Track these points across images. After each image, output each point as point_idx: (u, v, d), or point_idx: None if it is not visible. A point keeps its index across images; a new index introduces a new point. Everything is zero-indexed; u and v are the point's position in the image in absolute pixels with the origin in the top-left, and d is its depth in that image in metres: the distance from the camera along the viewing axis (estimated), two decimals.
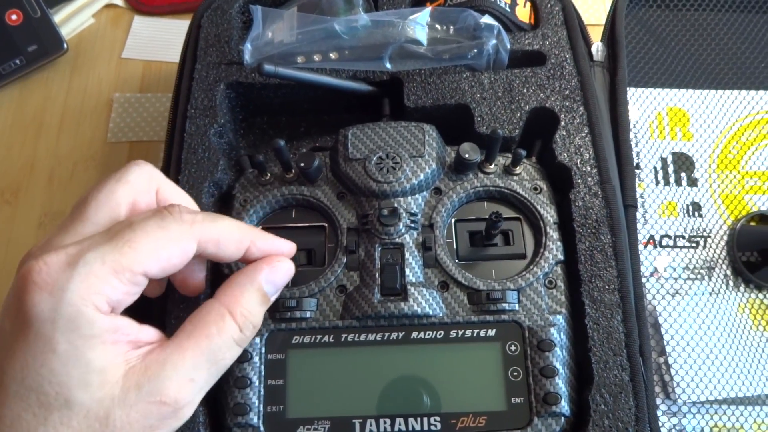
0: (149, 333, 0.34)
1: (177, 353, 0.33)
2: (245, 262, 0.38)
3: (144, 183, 0.37)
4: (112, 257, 0.31)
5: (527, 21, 0.52)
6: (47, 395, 0.30)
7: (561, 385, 0.40)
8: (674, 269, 0.50)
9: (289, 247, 0.40)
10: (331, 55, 0.50)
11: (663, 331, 0.48)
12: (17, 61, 0.63)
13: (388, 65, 0.49)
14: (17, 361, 0.30)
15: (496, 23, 0.49)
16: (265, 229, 0.45)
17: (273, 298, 0.38)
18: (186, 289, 0.40)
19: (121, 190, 0.36)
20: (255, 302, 0.36)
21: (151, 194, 0.37)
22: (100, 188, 0.35)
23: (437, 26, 0.50)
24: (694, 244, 0.51)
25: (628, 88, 0.51)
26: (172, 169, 0.47)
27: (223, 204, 0.47)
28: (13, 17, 0.63)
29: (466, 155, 0.44)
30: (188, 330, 0.34)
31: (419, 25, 0.49)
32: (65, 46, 0.64)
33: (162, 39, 0.67)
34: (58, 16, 0.66)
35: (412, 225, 0.44)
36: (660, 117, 0.55)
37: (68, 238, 0.33)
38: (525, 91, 0.49)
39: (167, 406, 0.32)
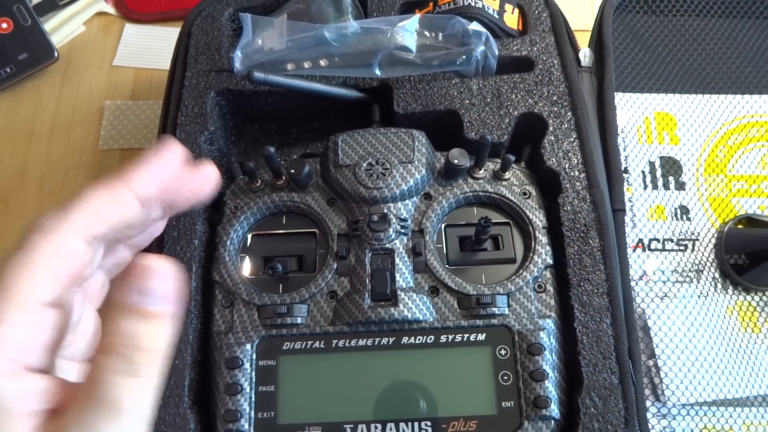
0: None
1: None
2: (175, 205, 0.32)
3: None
4: None
5: (515, 27, 0.53)
6: None
7: (551, 388, 0.40)
8: (663, 272, 0.51)
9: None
10: (321, 62, 0.51)
11: (652, 333, 0.48)
12: (8, 70, 0.63)
13: (378, 72, 0.50)
14: None
15: (484, 30, 0.49)
16: (256, 236, 0.45)
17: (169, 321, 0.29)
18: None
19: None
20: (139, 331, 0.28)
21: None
22: None
23: (426, 33, 0.50)
24: (682, 248, 0.52)
25: (615, 93, 0.52)
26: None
27: (214, 211, 0.47)
28: (3, 25, 0.63)
29: (456, 161, 0.45)
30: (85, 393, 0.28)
31: (408, 32, 0.50)
32: (56, 54, 0.64)
33: (153, 46, 0.67)
34: (48, 25, 0.66)
35: (402, 230, 0.44)
36: (648, 121, 0.56)
37: None
38: (513, 96, 0.49)
39: None
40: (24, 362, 0.28)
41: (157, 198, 0.31)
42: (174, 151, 0.31)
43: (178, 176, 0.31)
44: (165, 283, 0.28)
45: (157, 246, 0.44)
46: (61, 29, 0.67)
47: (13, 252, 0.28)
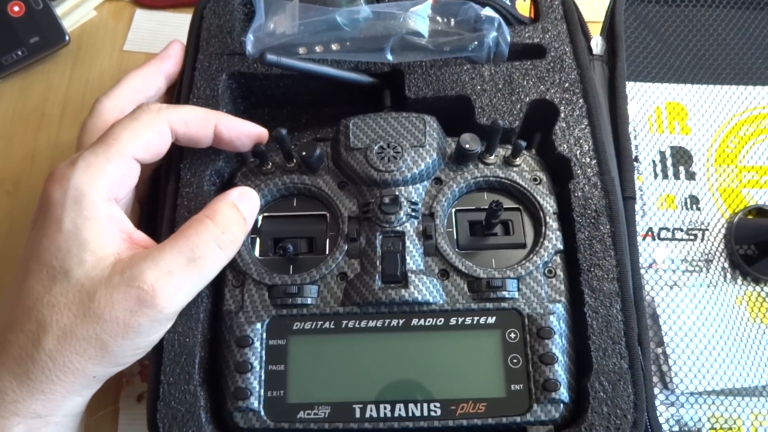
0: (143, 237, 0.40)
1: (158, 250, 0.37)
2: (221, 145, 0.44)
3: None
4: (101, 150, 0.39)
5: (527, 14, 0.53)
6: (53, 269, 0.36)
7: (560, 372, 0.40)
8: (672, 261, 0.51)
9: (257, 128, 0.45)
10: (333, 46, 0.51)
11: (661, 322, 0.48)
12: (19, 53, 0.63)
13: (390, 57, 0.50)
14: (36, 241, 0.37)
15: (496, 16, 0.49)
16: (267, 217, 0.46)
17: (249, 223, 0.42)
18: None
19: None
20: (231, 214, 0.40)
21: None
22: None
23: (438, 18, 0.50)
24: (692, 237, 0.52)
25: (627, 83, 0.52)
26: (173, 157, 0.47)
27: None
28: (16, 9, 0.63)
29: (467, 146, 0.45)
30: (172, 236, 0.38)
31: (420, 17, 0.50)
32: (67, 38, 0.64)
33: (163, 32, 0.67)
34: (60, 9, 0.66)
35: (413, 214, 0.44)
36: (659, 111, 0.56)
37: None
38: (525, 83, 0.49)
39: (144, 292, 0.36)
40: (117, 193, 0.39)
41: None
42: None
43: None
44: (254, 203, 0.43)
45: (168, 226, 0.44)
46: (73, 13, 0.67)
47: (122, 120, 0.41)
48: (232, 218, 0.40)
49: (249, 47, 0.50)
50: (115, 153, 0.39)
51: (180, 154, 0.46)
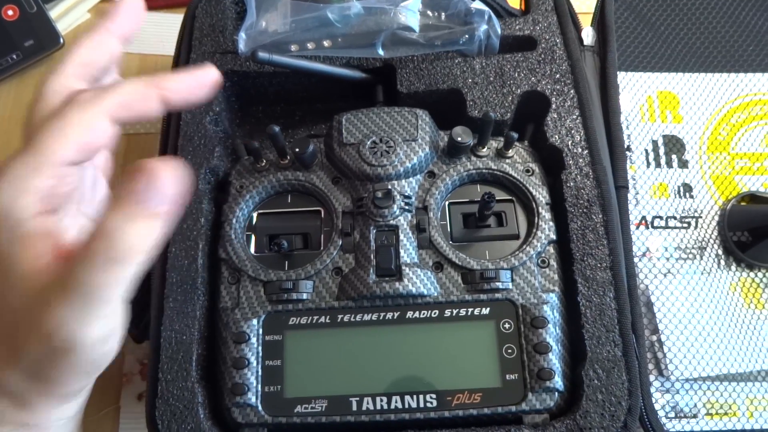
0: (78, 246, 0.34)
1: (64, 296, 0.32)
2: (177, 109, 0.39)
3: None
4: (27, 159, 0.33)
5: (518, 6, 0.53)
6: None
7: (554, 360, 0.40)
8: (666, 249, 0.51)
9: (204, 73, 0.38)
10: (325, 42, 0.51)
11: (656, 309, 0.48)
12: (14, 56, 0.63)
13: (381, 52, 0.50)
14: None
15: (487, 9, 0.50)
16: (262, 214, 0.46)
17: (166, 214, 0.33)
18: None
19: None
20: (127, 234, 0.32)
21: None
22: None
23: (429, 12, 0.51)
24: (685, 225, 0.52)
25: (618, 72, 0.52)
26: (168, 155, 0.47)
27: (220, 190, 0.47)
28: (9, 12, 0.63)
29: (459, 138, 0.45)
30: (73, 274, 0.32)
31: (411, 12, 0.50)
32: (61, 40, 0.64)
33: (157, 33, 0.67)
34: (54, 12, 0.66)
35: (406, 207, 0.44)
36: (650, 100, 0.56)
37: None
38: (516, 75, 0.49)
39: (58, 342, 0.31)
40: (52, 203, 0.34)
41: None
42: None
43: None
44: (157, 183, 0.31)
45: None
46: (66, 16, 0.68)
47: (50, 119, 0.34)
48: (130, 239, 0.32)
49: (241, 45, 0.50)
50: (43, 162, 0.33)
51: (174, 152, 0.47)
